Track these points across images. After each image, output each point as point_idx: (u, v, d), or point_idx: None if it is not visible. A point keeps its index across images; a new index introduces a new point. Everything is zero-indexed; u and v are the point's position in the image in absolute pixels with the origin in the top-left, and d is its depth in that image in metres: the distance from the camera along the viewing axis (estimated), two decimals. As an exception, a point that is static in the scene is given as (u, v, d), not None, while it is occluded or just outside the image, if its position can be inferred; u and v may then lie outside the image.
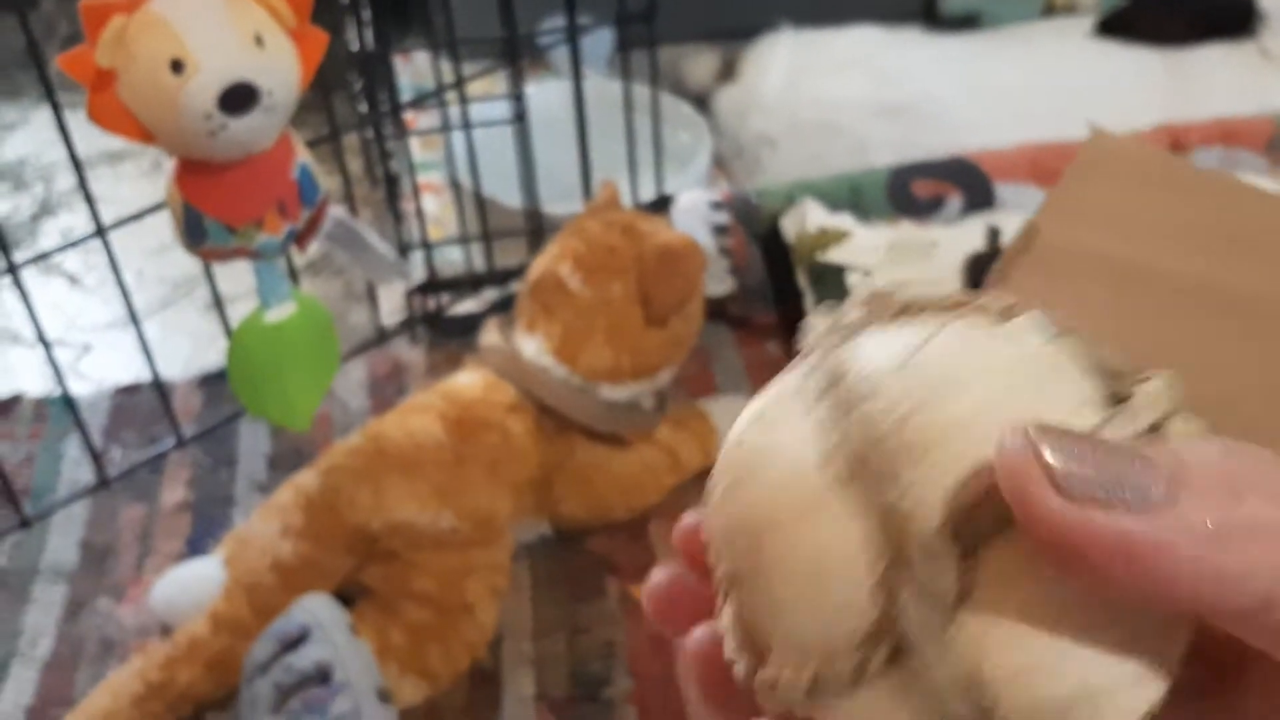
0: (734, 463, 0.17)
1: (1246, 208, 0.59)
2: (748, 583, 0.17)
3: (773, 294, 0.84)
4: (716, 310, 0.84)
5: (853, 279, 0.78)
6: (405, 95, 0.99)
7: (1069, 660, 0.15)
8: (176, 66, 0.52)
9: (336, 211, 0.65)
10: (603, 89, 0.95)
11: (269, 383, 0.64)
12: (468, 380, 0.70)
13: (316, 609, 0.58)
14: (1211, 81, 0.92)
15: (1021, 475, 0.15)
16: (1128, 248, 0.58)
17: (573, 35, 0.78)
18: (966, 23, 1.00)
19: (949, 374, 0.16)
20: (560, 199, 0.87)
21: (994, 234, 0.77)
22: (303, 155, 0.61)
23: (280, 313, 0.62)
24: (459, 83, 0.76)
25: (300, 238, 0.63)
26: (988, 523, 0.16)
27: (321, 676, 0.56)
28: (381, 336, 0.83)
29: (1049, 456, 0.15)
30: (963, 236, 0.77)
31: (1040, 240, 0.60)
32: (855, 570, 0.16)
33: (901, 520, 0.15)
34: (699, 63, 1.03)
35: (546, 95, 0.99)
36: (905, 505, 0.16)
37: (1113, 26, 0.96)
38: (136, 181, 1.06)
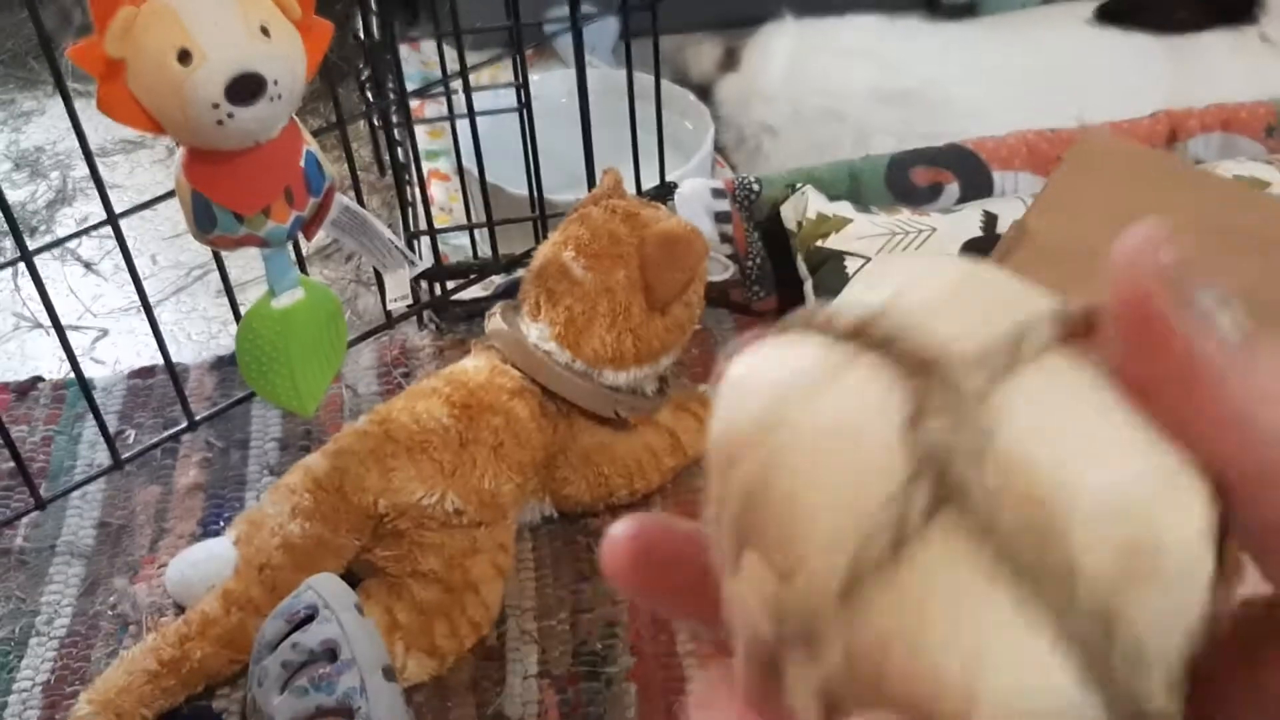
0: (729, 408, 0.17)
1: (1234, 202, 0.60)
2: (763, 500, 0.16)
3: (774, 280, 0.85)
4: (719, 296, 0.85)
5: (852, 265, 0.79)
6: (415, 83, 1.00)
7: (1129, 455, 0.15)
8: (184, 57, 0.54)
9: (343, 199, 0.67)
10: (608, 77, 0.97)
11: (277, 368, 0.65)
12: (473, 365, 0.71)
13: (324, 589, 0.60)
14: (1212, 68, 0.92)
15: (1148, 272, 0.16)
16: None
17: (575, 25, 0.79)
18: (966, 10, 1.01)
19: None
20: (566, 186, 0.88)
21: (991, 221, 0.78)
22: (310, 144, 0.62)
23: (288, 299, 0.64)
24: (463, 72, 0.77)
25: (307, 226, 0.64)
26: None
27: (329, 655, 0.57)
28: (389, 322, 0.84)
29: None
30: (960, 224, 0.78)
31: (1030, 236, 0.61)
32: (882, 420, 0.15)
33: (920, 356, 0.15)
34: (702, 51, 1.04)
35: (552, 83, 1.00)
36: (926, 348, 0.15)
37: (1111, 13, 0.96)
38: (152, 169, 1.07)
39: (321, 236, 0.68)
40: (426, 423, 0.66)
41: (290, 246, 0.64)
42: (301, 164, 0.61)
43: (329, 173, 0.63)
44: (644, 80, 0.86)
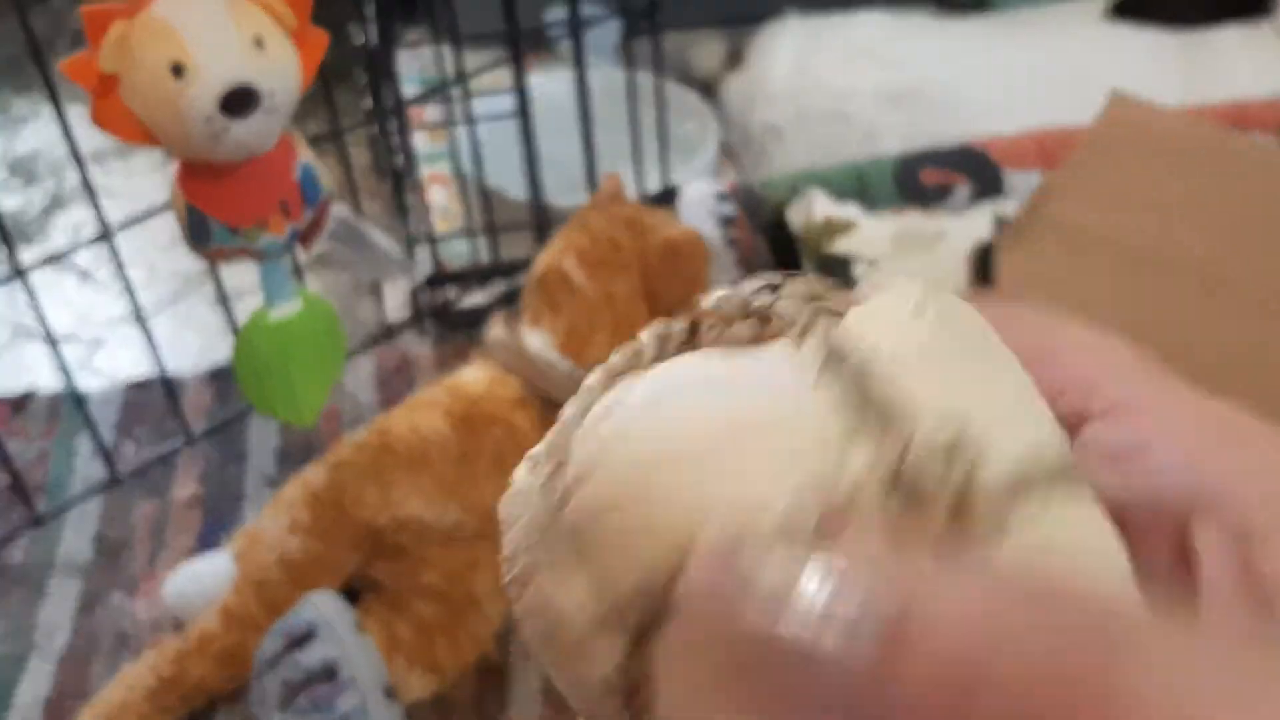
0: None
1: (1265, 179, 0.58)
2: None
3: (780, 284, 0.84)
4: (724, 301, 0.84)
5: (859, 270, 0.77)
6: (418, 86, 0.99)
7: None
8: (177, 70, 0.53)
9: (340, 210, 0.66)
10: (611, 79, 0.95)
11: (275, 381, 0.64)
12: (474, 375, 0.70)
13: (323, 606, 0.59)
14: (1227, 63, 0.90)
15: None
16: (1134, 228, 0.58)
17: (575, 28, 0.77)
18: (977, 6, 0.99)
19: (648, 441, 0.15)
20: (569, 189, 0.87)
21: (1001, 223, 0.76)
22: (305, 155, 0.61)
23: (285, 311, 0.63)
24: (460, 78, 0.76)
25: (304, 237, 0.63)
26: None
27: (328, 674, 0.57)
28: (389, 331, 0.83)
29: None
30: (970, 226, 0.77)
31: (1047, 213, 0.59)
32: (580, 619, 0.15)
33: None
34: (706, 50, 1.02)
35: (554, 85, 0.98)
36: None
37: (1124, 8, 0.94)
38: (149, 175, 1.06)
39: (318, 247, 0.67)
40: (426, 435, 0.65)
41: (287, 258, 0.63)
42: (297, 176, 0.60)
43: (325, 184, 0.62)
44: (647, 81, 0.84)
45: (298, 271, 0.75)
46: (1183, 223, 0.57)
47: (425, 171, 0.90)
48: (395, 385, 0.82)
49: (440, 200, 0.95)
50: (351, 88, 0.87)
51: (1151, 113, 0.65)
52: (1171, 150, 0.59)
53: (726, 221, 0.84)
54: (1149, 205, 0.58)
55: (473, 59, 0.82)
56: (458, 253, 0.88)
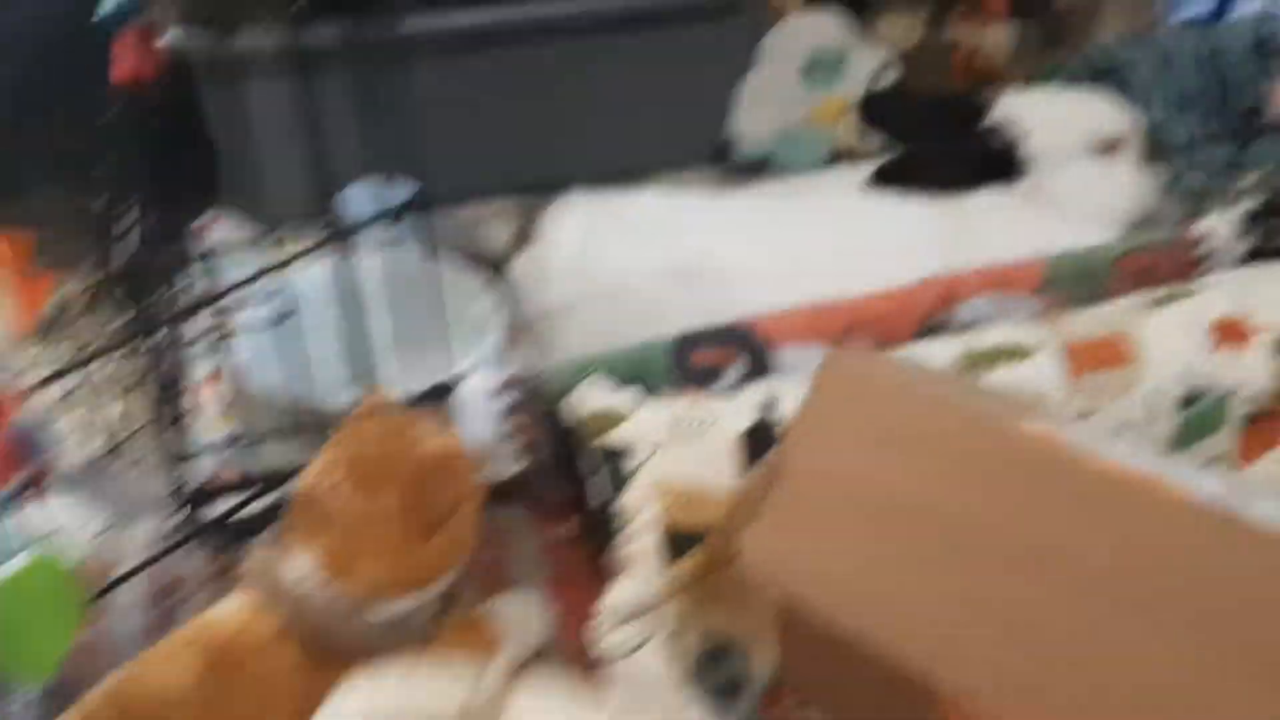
0: None
1: (973, 425, 0.59)
2: None
3: (566, 472, 0.83)
4: (508, 491, 0.83)
5: (638, 459, 0.78)
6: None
7: None
8: None
9: (78, 456, 0.64)
10: (399, 262, 0.95)
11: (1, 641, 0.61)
12: (230, 610, 0.67)
13: None
14: (983, 227, 0.95)
15: None
16: (877, 475, 0.59)
17: (341, 235, 0.77)
18: (758, 168, 1.02)
19: None
20: (349, 384, 0.85)
21: (769, 406, 0.78)
22: (23, 411, 0.59)
23: (5, 571, 0.60)
24: (216, 297, 0.74)
25: (34, 484, 0.61)
26: None
27: None
28: (158, 553, 0.80)
29: None
30: (738, 410, 0.78)
31: (785, 474, 0.60)
32: None
33: None
34: (496, 227, 1.03)
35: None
36: None
37: (885, 176, 0.98)
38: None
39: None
40: (167, 694, 0.62)
41: (5, 519, 0.60)
42: (12, 434, 0.58)
43: (50, 432, 0.60)
44: (434, 265, 0.84)
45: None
46: (914, 474, 0.58)
47: (199, 374, 0.87)
48: (165, 607, 0.78)
49: (214, 406, 0.93)
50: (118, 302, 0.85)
51: (869, 360, 0.67)
52: (890, 396, 0.61)
53: (508, 409, 0.83)
54: (885, 455, 0.59)
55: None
56: (230, 461, 0.85)
